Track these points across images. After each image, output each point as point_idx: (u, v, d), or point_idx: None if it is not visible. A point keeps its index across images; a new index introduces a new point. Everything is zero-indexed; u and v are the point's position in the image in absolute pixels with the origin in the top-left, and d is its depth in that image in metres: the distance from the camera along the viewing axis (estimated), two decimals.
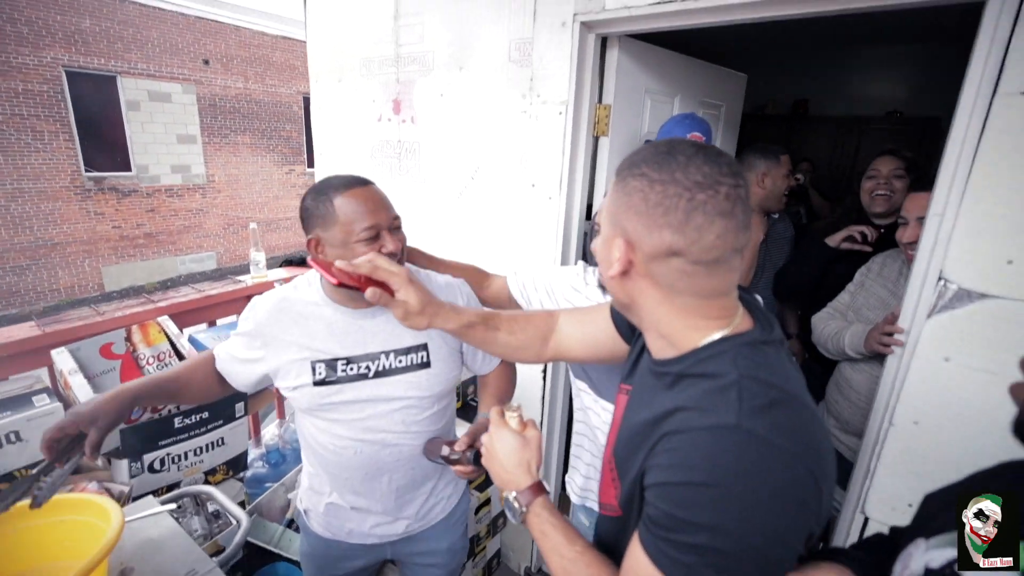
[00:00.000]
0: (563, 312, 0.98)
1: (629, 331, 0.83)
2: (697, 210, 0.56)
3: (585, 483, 1.37)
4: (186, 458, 1.70)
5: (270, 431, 2.35)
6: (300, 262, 2.39)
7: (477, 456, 1.06)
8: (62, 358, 1.53)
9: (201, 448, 1.73)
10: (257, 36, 9.85)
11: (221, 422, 1.80)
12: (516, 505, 0.73)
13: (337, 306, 1.09)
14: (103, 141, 8.35)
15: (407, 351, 1.11)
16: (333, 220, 0.98)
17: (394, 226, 1.04)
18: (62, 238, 8.10)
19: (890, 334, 1.33)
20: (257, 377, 1.14)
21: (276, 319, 1.09)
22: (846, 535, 1.44)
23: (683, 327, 0.62)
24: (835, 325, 1.61)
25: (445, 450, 1.08)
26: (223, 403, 1.80)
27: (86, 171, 8.18)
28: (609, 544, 0.72)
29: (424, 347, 1.13)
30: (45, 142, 7.68)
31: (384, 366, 1.09)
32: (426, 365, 1.13)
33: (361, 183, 1.02)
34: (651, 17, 1.48)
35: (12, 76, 7.21)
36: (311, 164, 10.37)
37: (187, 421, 1.69)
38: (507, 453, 0.76)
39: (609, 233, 0.63)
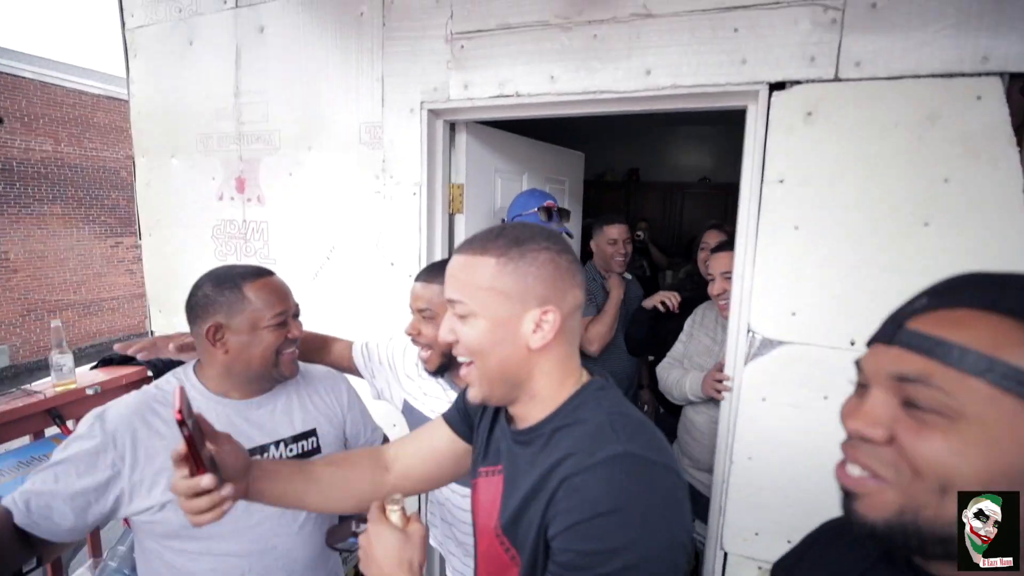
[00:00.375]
0: (386, 446, 0.92)
1: (467, 429, 0.86)
2: (579, 272, 0.70)
3: None
4: None
5: None
6: (121, 361, 2.03)
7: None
8: None
9: None
10: (72, 94, 8.67)
11: None
12: None
13: (220, 398, 1.03)
14: None
15: (296, 439, 1.07)
16: (241, 308, 0.98)
17: (296, 312, 1.07)
18: None
19: (720, 380, 1.52)
20: (96, 514, 0.90)
21: (140, 423, 0.94)
22: (711, 570, 1.55)
23: (558, 384, 0.69)
24: (676, 373, 1.81)
25: (360, 527, 0.95)
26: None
27: None
28: None
29: (313, 432, 1.09)
30: None
31: (274, 458, 1.01)
32: (316, 451, 1.09)
33: (268, 273, 1.05)
34: (491, 108, 1.62)
35: None
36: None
37: None
38: (386, 553, 0.66)
39: (515, 310, 0.65)
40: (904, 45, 1.19)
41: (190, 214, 2.10)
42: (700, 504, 1.67)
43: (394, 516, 0.69)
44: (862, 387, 0.48)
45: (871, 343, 0.48)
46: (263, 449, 1.03)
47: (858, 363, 0.49)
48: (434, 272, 1.13)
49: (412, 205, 1.74)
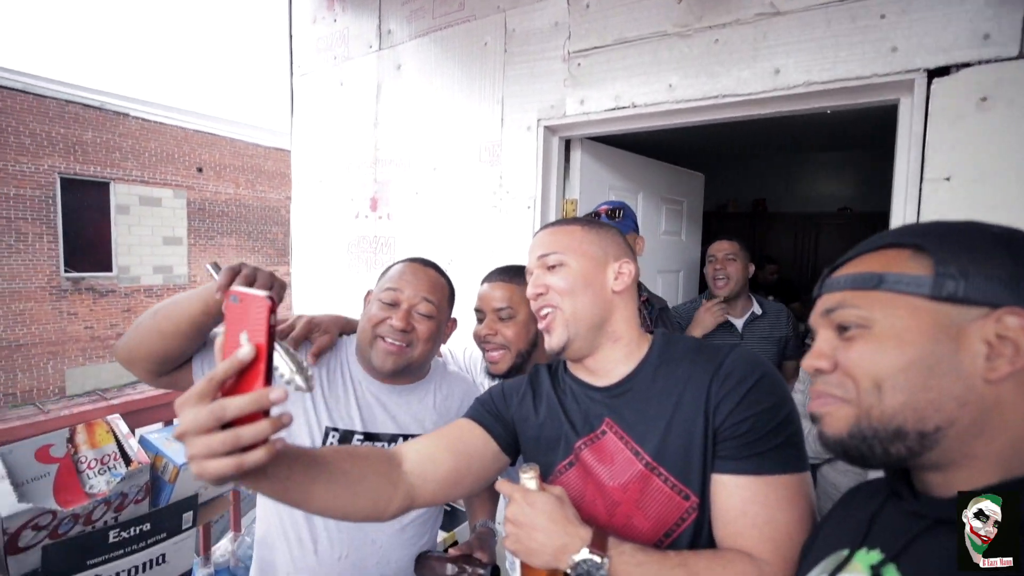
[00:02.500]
0: (403, 445, 0.82)
1: (502, 430, 0.83)
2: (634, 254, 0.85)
3: None
4: None
5: (222, 547, 2.11)
6: None
7: (495, 571, 0.94)
8: None
9: (136, 568, 1.54)
10: (250, 147, 10.49)
11: (164, 535, 1.62)
12: (596, 560, 0.61)
13: (366, 375, 1.03)
14: (87, 242, 8.44)
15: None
16: (380, 278, 1.03)
17: (419, 310, 0.98)
18: (28, 339, 7.83)
19: None
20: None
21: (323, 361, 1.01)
22: None
23: (635, 328, 0.80)
24: (803, 426, 1.58)
25: (450, 568, 0.93)
26: (168, 512, 1.63)
27: (65, 271, 8.16)
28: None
29: None
30: (28, 243, 7.72)
31: None
32: None
33: (422, 261, 1.05)
34: (606, 121, 1.63)
35: (7, 182, 7.43)
36: None
37: (124, 535, 1.52)
38: (551, 515, 0.63)
39: (599, 263, 0.79)
40: None
41: (331, 233, 2.38)
42: None
43: (532, 484, 0.66)
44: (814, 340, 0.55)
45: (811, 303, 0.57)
46: (392, 439, 1.00)
47: (808, 324, 0.57)
48: (511, 273, 1.11)
49: (526, 218, 1.79)
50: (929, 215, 1.16)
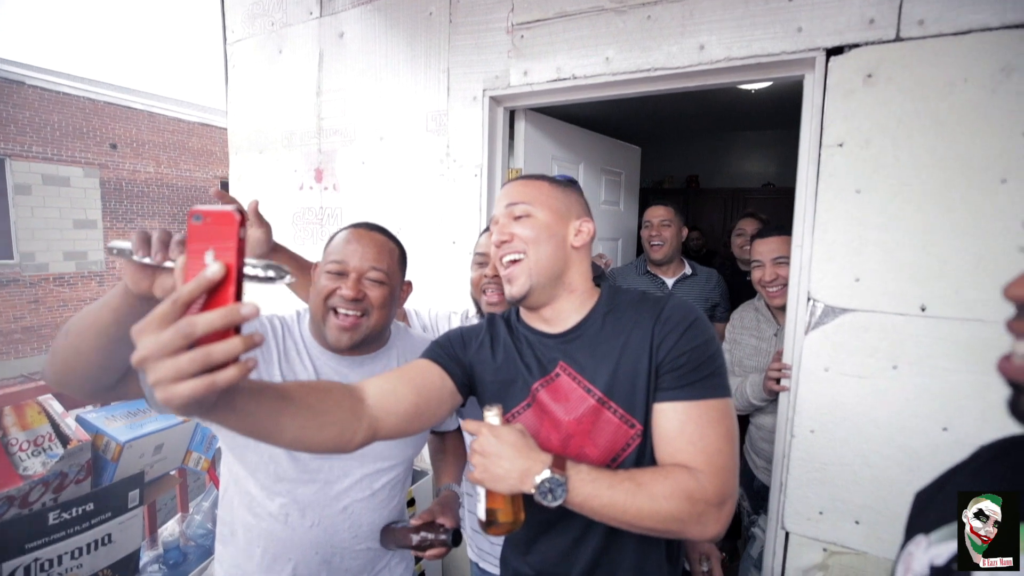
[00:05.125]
0: (364, 381, 0.82)
1: (458, 370, 0.87)
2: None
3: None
4: (60, 562, 1.47)
5: (169, 527, 2.07)
6: None
7: (456, 535, 0.98)
8: None
9: (80, 550, 1.50)
10: (172, 122, 9.72)
11: (109, 515, 1.59)
12: (558, 478, 0.69)
13: (321, 349, 1.02)
14: None
15: None
16: (325, 249, 1.01)
17: (369, 276, 0.96)
18: None
19: (779, 370, 1.48)
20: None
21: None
22: (772, 553, 1.49)
23: (587, 280, 0.88)
24: (732, 383, 1.76)
25: (415, 538, 0.97)
26: (113, 490, 1.59)
27: None
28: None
29: None
30: None
31: None
32: None
33: (367, 226, 1.02)
34: (548, 92, 1.71)
35: None
36: None
37: (65, 515, 1.47)
38: (515, 444, 0.71)
39: (562, 218, 0.86)
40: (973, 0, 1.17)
41: (274, 205, 2.32)
42: (764, 498, 1.62)
43: (496, 420, 0.74)
44: None
45: None
46: None
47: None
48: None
49: (473, 187, 1.85)
50: (826, 177, 1.34)
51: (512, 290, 0.84)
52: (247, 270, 0.48)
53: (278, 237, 2.29)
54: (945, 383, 1.24)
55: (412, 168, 1.97)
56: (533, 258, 0.83)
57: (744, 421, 1.86)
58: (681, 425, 0.75)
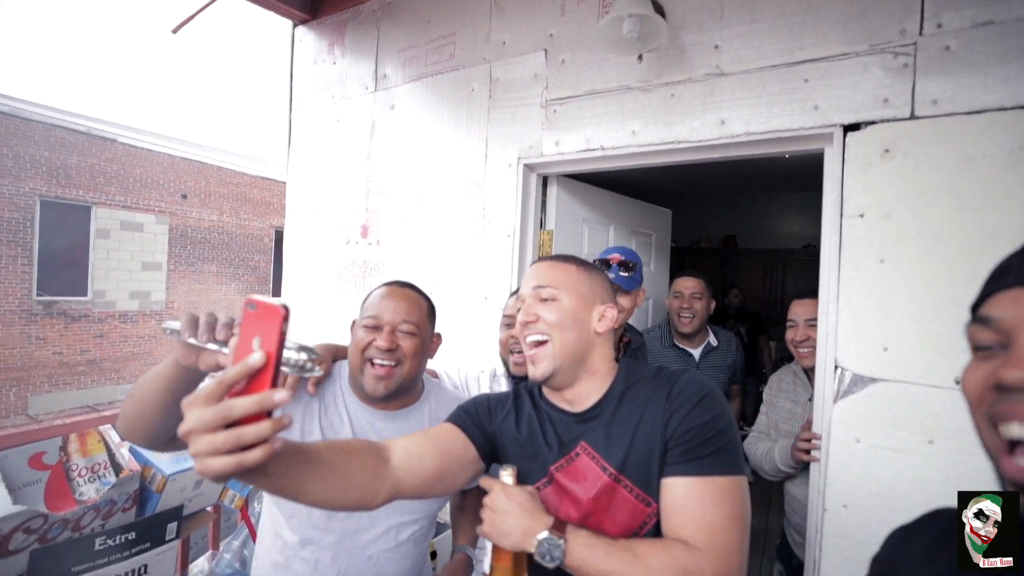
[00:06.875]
0: (391, 440, 0.86)
1: (482, 438, 0.90)
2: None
3: None
4: None
5: (199, 564, 2.12)
6: None
7: None
8: None
9: None
10: (237, 175, 10.60)
11: (148, 545, 1.66)
12: (556, 539, 0.72)
13: (359, 403, 1.07)
14: (63, 266, 8.33)
15: None
16: (363, 305, 1.08)
17: (401, 329, 1.04)
18: None
19: (808, 440, 1.44)
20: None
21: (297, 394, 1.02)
22: None
23: (608, 362, 0.90)
24: (764, 446, 1.72)
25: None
26: (153, 521, 1.68)
27: (37, 295, 8.01)
28: None
29: None
30: (1, 265, 7.60)
31: None
32: None
33: (400, 283, 1.10)
34: (578, 161, 1.83)
35: None
36: (276, 292, 10.48)
37: (110, 542, 1.56)
38: (522, 504, 0.76)
39: (587, 303, 0.89)
40: (984, 82, 1.21)
41: (322, 256, 2.51)
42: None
43: (509, 480, 0.80)
44: (999, 345, 0.40)
45: (1000, 289, 0.41)
46: None
47: (984, 318, 0.41)
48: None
49: (506, 247, 1.96)
50: (848, 246, 1.36)
51: (535, 372, 0.86)
52: (285, 354, 0.55)
53: (324, 287, 2.47)
54: (983, 461, 1.19)
55: (450, 227, 2.11)
56: (558, 343, 0.85)
57: (780, 494, 1.79)
58: (684, 500, 0.75)
